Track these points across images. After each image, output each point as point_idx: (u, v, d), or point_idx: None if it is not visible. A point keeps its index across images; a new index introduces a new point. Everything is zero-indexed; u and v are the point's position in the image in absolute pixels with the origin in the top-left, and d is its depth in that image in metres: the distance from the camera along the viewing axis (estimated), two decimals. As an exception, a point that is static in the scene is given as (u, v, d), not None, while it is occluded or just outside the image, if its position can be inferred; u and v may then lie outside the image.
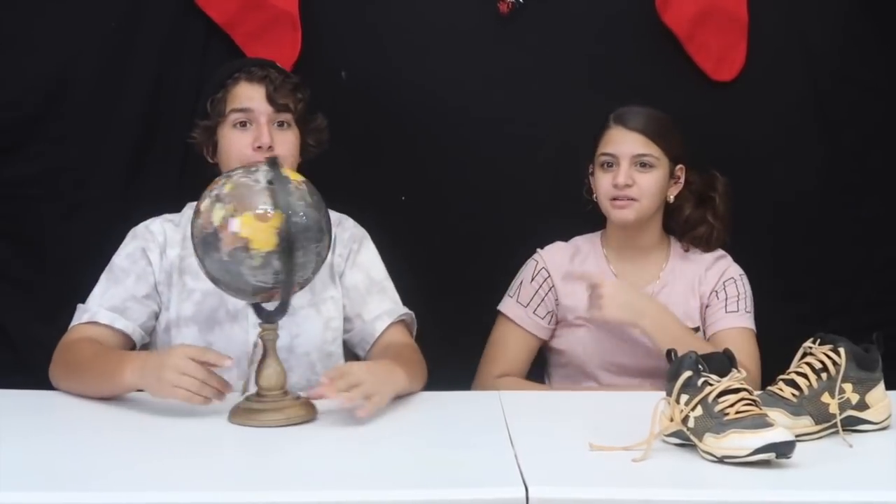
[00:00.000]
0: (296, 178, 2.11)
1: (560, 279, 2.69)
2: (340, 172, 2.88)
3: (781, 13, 3.10)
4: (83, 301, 2.45)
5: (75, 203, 3.02)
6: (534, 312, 2.69)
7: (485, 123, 3.10)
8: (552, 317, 2.71)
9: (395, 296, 2.53)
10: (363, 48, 3.06)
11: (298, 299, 2.40)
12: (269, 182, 2.04)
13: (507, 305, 2.73)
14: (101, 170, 3.03)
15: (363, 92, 3.06)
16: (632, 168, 2.62)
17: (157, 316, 2.44)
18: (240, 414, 2.11)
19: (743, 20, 3.07)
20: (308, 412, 2.13)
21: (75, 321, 2.41)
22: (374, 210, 2.94)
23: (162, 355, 2.14)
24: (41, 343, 2.98)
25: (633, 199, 2.62)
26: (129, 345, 2.40)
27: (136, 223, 2.55)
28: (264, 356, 2.13)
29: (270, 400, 2.12)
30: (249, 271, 2.02)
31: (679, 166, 2.68)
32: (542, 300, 2.69)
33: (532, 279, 2.70)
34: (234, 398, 2.15)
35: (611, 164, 2.65)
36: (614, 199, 2.64)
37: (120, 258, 2.45)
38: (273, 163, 2.09)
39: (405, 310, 2.51)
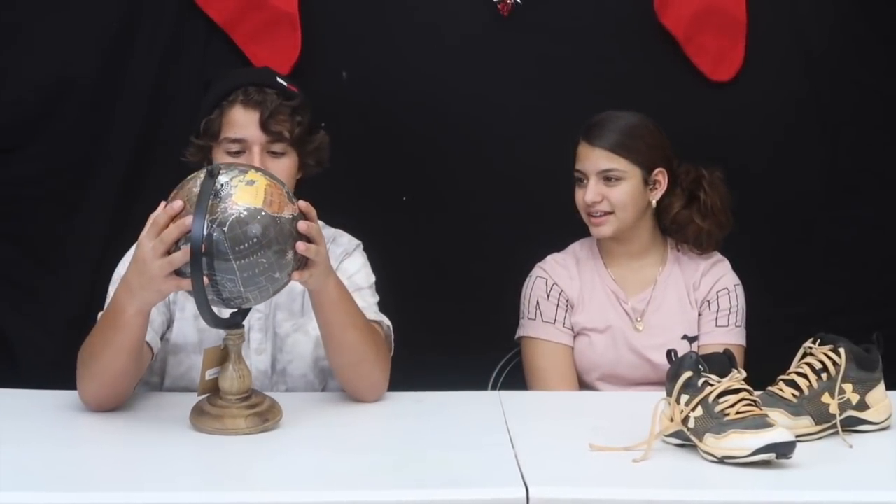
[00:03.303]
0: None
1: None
2: (341, 173, 2.88)
3: (780, 13, 3.10)
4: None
5: (75, 204, 3.02)
6: (563, 325, 2.69)
7: (485, 124, 3.10)
8: (571, 327, 2.72)
9: (371, 301, 2.42)
10: (363, 48, 3.07)
11: (286, 326, 2.39)
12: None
13: (534, 328, 2.69)
14: (102, 170, 3.03)
15: (363, 92, 3.06)
16: (599, 183, 2.63)
17: (167, 326, 2.39)
18: (206, 421, 2.06)
19: (741, 20, 3.07)
20: (268, 420, 2.07)
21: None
22: (376, 210, 2.96)
23: (135, 269, 2.01)
24: (38, 344, 3.00)
25: (608, 213, 2.63)
26: (149, 355, 2.31)
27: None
28: (229, 361, 2.08)
29: (229, 405, 2.07)
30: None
31: (658, 170, 2.66)
32: (565, 313, 2.69)
33: (548, 296, 2.69)
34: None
35: (581, 179, 2.66)
36: (589, 214, 2.65)
37: None
38: (211, 173, 1.99)
39: (377, 316, 2.40)
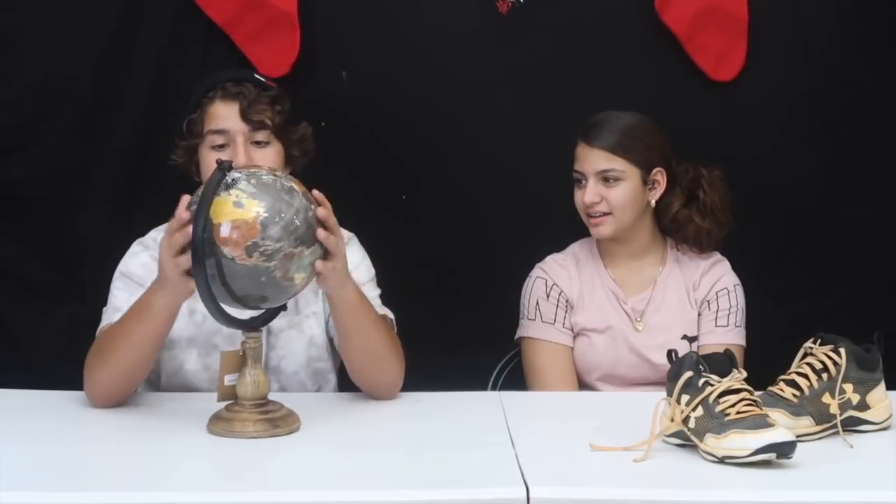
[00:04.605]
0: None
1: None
2: (341, 172, 2.88)
3: (781, 13, 3.10)
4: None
5: (76, 203, 3.02)
6: (563, 326, 2.69)
7: (485, 123, 3.10)
8: (571, 328, 2.71)
9: (373, 295, 2.42)
10: (363, 48, 3.06)
11: (278, 322, 2.36)
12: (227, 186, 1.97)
13: (534, 329, 2.69)
14: (102, 170, 3.03)
15: (363, 92, 3.05)
16: (598, 184, 2.62)
17: None
18: (218, 423, 2.05)
19: (743, 20, 3.07)
20: (279, 427, 2.06)
21: (105, 323, 2.33)
22: (375, 210, 2.95)
23: (159, 268, 2.07)
24: (44, 341, 3.00)
25: (606, 214, 2.63)
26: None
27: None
28: (246, 365, 2.07)
29: (242, 409, 2.06)
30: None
31: (657, 170, 2.66)
32: (565, 314, 2.69)
33: (548, 297, 2.69)
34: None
35: (580, 180, 2.66)
36: (588, 215, 2.65)
37: (133, 267, 2.37)
38: (220, 166, 2.00)
39: (381, 310, 2.40)
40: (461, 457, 1.93)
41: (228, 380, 2.10)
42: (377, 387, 2.29)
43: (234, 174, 1.99)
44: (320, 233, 2.00)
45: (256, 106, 2.37)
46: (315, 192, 2.04)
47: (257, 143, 2.38)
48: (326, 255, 2.04)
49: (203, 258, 1.93)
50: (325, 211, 2.02)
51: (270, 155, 2.37)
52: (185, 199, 2.01)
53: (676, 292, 2.71)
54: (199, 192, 2.00)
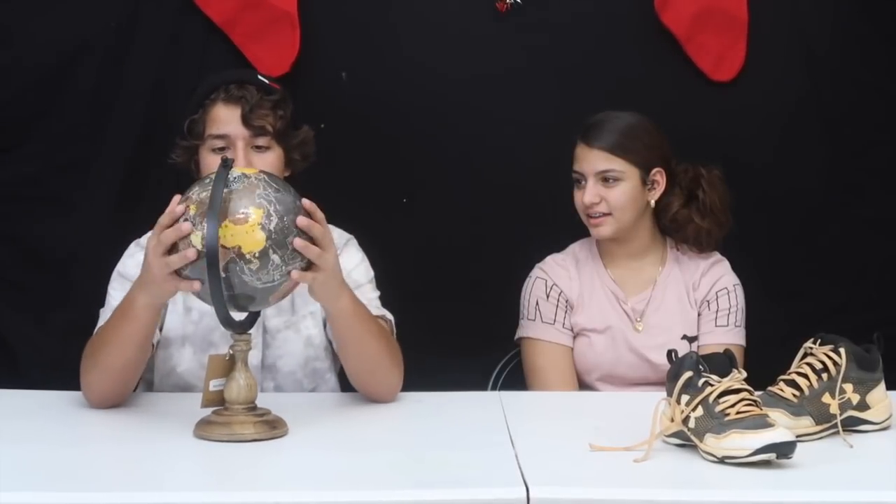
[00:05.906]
0: (252, 171, 2.02)
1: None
2: (341, 173, 2.88)
3: (781, 13, 3.10)
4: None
5: (74, 204, 3.02)
6: (563, 326, 2.69)
7: (484, 123, 3.10)
8: (571, 328, 2.72)
9: (371, 296, 2.42)
10: (362, 48, 3.07)
11: (275, 321, 2.39)
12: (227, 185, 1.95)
13: (534, 329, 2.69)
14: (101, 170, 3.03)
15: (363, 92, 3.06)
16: (598, 184, 2.62)
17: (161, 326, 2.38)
18: (211, 428, 2.01)
19: (742, 20, 3.07)
20: (276, 428, 2.04)
21: (101, 323, 2.31)
22: (375, 211, 2.96)
23: (143, 266, 2.04)
24: (36, 344, 3.00)
25: (606, 214, 2.63)
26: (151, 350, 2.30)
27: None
28: (235, 368, 2.04)
29: (236, 413, 2.02)
30: (252, 276, 1.94)
31: (656, 170, 2.66)
32: (565, 314, 2.69)
33: (548, 297, 2.69)
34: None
35: (580, 181, 2.66)
36: (588, 215, 2.65)
37: (129, 268, 2.36)
38: (225, 164, 1.98)
39: (379, 311, 2.40)
40: (461, 457, 1.93)
41: (214, 385, 2.08)
42: (375, 392, 2.29)
43: (233, 172, 1.98)
44: (297, 242, 1.96)
45: (258, 111, 2.35)
46: (305, 200, 2.01)
47: (258, 147, 2.36)
48: (309, 265, 2.00)
49: (217, 260, 1.90)
50: (305, 220, 1.97)
51: (270, 160, 2.36)
52: (178, 198, 1.99)
53: (676, 292, 2.71)
54: (195, 189, 1.98)
